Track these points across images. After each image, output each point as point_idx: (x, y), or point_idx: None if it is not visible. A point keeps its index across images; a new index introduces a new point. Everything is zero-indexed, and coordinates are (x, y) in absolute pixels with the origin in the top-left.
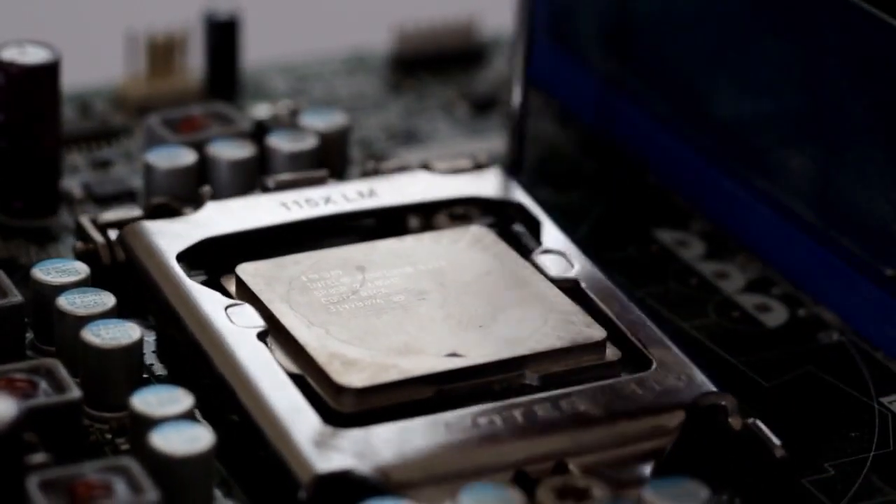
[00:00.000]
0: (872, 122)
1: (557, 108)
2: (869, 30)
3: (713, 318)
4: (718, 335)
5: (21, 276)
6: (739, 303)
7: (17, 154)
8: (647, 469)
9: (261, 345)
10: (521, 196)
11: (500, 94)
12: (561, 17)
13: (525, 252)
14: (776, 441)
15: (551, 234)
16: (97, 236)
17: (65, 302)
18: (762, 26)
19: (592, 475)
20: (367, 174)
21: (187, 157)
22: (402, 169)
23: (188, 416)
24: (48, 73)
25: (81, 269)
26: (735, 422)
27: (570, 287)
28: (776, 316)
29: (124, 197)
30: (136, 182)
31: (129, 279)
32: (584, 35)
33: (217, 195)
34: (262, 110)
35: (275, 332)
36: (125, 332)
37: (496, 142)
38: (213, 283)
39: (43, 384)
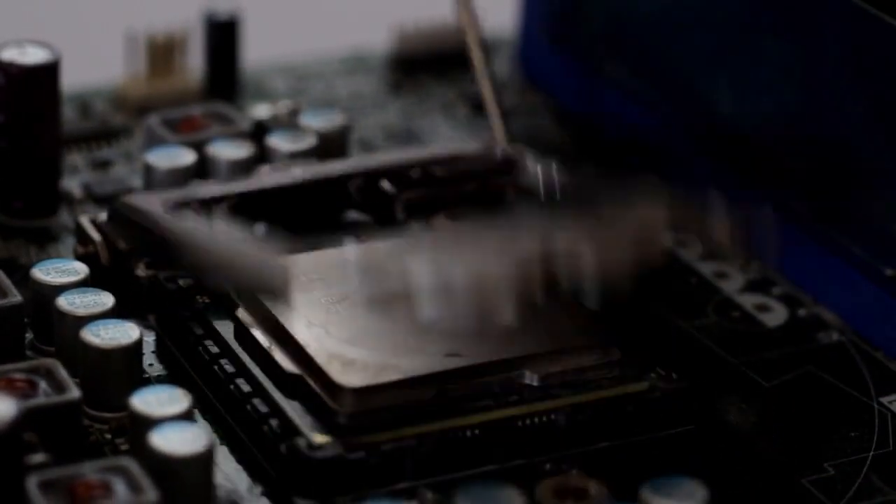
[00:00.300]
0: (872, 122)
1: (557, 108)
2: (869, 30)
3: (713, 318)
4: (718, 335)
5: (21, 276)
6: (739, 303)
7: (17, 154)
8: None
9: None
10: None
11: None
12: (560, 18)
13: None
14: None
15: None
16: (97, 236)
17: (64, 302)
18: (762, 26)
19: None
20: None
21: (187, 157)
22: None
23: (188, 416)
24: (48, 73)
25: (81, 270)
26: None
27: None
28: (776, 316)
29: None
30: (136, 182)
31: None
32: (583, 35)
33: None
34: (261, 110)
35: (275, 332)
36: (125, 332)
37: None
38: None
39: (43, 384)
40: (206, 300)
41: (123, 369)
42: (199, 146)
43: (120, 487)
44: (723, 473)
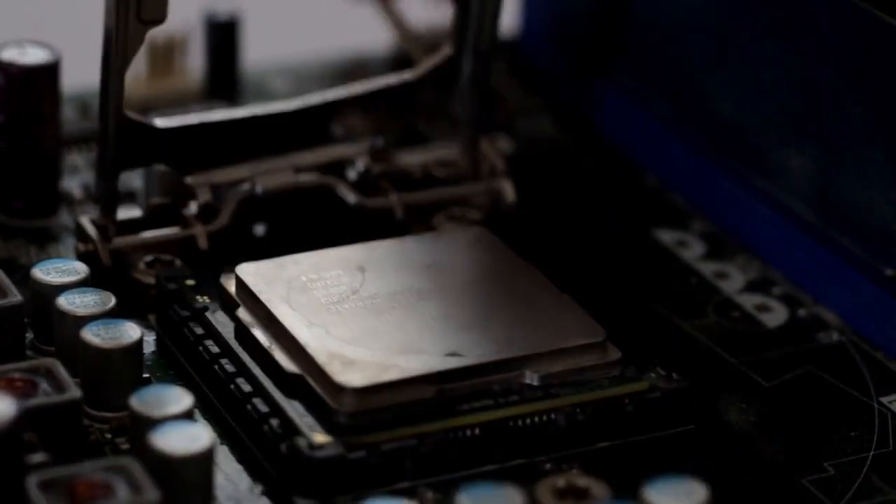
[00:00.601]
0: (872, 122)
1: (557, 109)
2: (869, 30)
3: (713, 318)
4: (718, 335)
5: (21, 276)
6: (739, 303)
7: (17, 154)
8: None
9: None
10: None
11: (499, 94)
12: (561, 18)
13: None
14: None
15: None
16: (96, 236)
17: (65, 302)
18: (762, 27)
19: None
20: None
21: None
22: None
23: (188, 416)
24: (48, 73)
25: (81, 269)
26: None
27: None
28: (776, 316)
29: (124, 197)
30: (137, 182)
31: None
32: (584, 36)
33: (216, 196)
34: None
35: (275, 332)
36: (125, 332)
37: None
38: None
39: (43, 384)
40: (207, 300)
41: (123, 369)
42: None
43: (120, 487)
44: (723, 473)
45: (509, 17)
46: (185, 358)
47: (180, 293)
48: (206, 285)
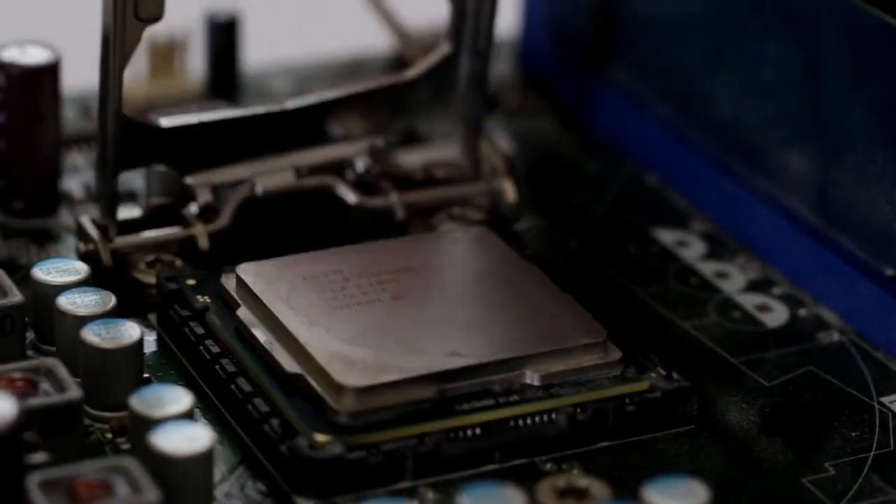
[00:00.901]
0: (872, 122)
1: (557, 109)
2: (869, 30)
3: (713, 318)
4: (718, 335)
5: (21, 275)
6: (739, 303)
7: (17, 154)
8: None
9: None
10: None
11: (499, 94)
12: (561, 18)
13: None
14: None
15: None
16: (96, 236)
17: (65, 302)
18: (762, 26)
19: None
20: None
21: None
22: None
23: (188, 416)
24: (48, 73)
25: (81, 269)
26: None
27: None
28: (776, 316)
29: (125, 197)
30: (137, 182)
31: None
32: (584, 36)
33: (216, 196)
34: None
35: (275, 332)
36: (125, 332)
37: (497, 142)
38: None
39: (43, 384)
40: (207, 300)
41: (123, 369)
42: None
43: (120, 487)
44: (723, 473)
45: (509, 17)
46: (185, 358)
47: (180, 293)
48: (206, 285)
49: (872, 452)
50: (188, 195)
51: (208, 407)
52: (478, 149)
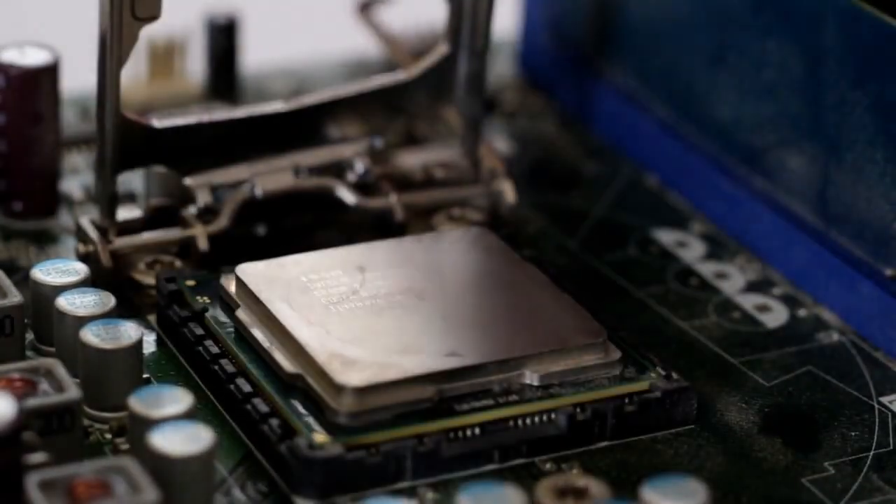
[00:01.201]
0: (872, 122)
1: (557, 109)
2: (869, 30)
3: (713, 318)
4: (718, 335)
5: (21, 276)
6: (739, 303)
7: (17, 155)
8: None
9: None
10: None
11: (499, 94)
12: (561, 19)
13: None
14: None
15: None
16: (96, 237)
17: (65, 302)
18: (762, 26)
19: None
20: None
21: None
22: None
23: (188, 416)
24: (48, 74)
25: (81, 270)
26: None
27: None
28: (776, 316)
29: (124, 198)
30: (137, 183)
31: None
32: (584, 36)
33: (215, 196)
34: None
35: (275, 332)
36: (125, 332)
37: (497, 142)
38: None
39: (43, 384)
40: (207, 300)
41: (123, 369)
42: None
43: (120, 487)
44: (723, 473)
45: (509, 18)
46: (185, 358)
47: (180, 293)
48: (206, 285)
49: (872, 452)
50: (187, 196)
51: (208, 407)
52: (477, 149)
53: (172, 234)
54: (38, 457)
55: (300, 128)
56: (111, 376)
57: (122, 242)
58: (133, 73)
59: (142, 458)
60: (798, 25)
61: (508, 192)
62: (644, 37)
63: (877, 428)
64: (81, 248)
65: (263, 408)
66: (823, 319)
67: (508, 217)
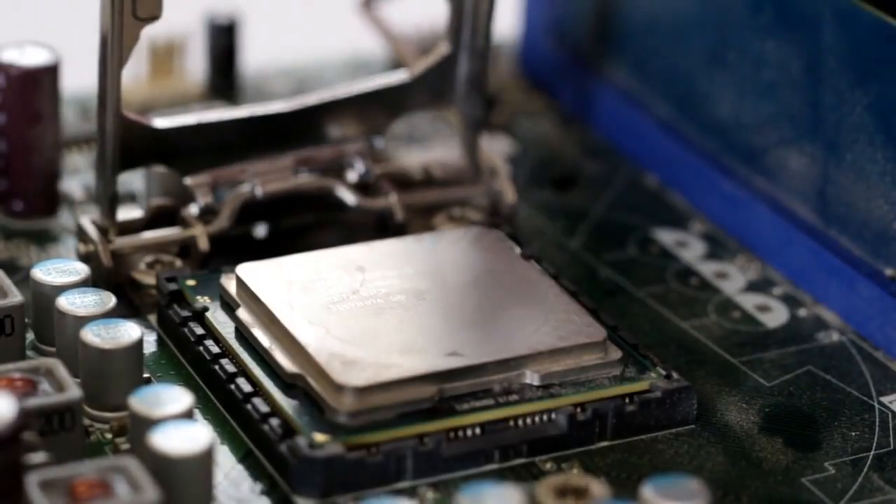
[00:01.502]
0: (872, 122)
1: (558, 110)
2: (869, 30)
3: (713, 318)
4: (719, 335)
5: (21, 276)
6: (739, 303)
7: (17, 155)
8: None
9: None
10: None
11: (499, 94)
12: (561, 19)
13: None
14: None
15: None
16: (96, 237)
17: (65, 302)
18: (762, 26)
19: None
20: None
21: None
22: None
23: (188, 416)
24: (48, 74)
25: (81, 270)
26: None
27: None
28: (776, 316)
29: (125, 198)
30: (137, 183)
31: None
32: (584, 36)
33: (215, 196)
34: None
35: (275, 332)
36: (125, 332)
37: (497, 142)
38: None
39: (43, 384)
40: (207, 300)
41: (123, 369)
42: None
43: (120, 487)
44: (723, 473)
45: (509, 19)
46: (185, 358)
47: (180, 293)
48: (206, 285)
49: (872, 452)
50: (188, 196)
51: (208, 407)
52: (477, 149)
53: (173, 234)
54: (38, 457)
55: (300, 128)
56: (111, 376)
57: (122, 242)
58: (133, 73)
59: (142, 458)
60: (798, 25)
61: (508, 191)
62: (644, 37)
63: (877, 428)
64: (82, 247)
65: (264, 407)
66: (823, 319)
67: (508, 217)
